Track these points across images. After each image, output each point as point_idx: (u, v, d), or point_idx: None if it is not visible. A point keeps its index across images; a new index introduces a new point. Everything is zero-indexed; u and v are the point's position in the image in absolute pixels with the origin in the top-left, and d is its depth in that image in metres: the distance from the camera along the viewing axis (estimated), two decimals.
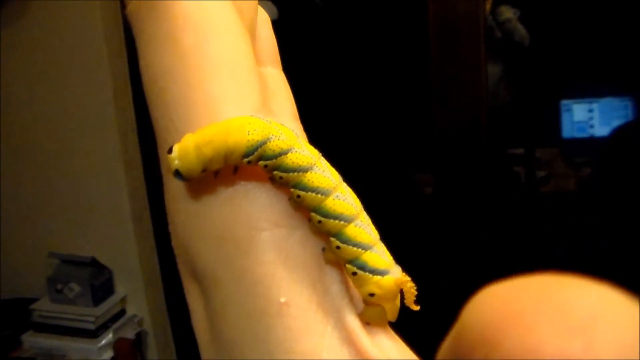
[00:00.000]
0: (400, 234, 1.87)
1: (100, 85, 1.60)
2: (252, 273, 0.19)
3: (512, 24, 2.08)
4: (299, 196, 0.19)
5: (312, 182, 0.19)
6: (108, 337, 1.61)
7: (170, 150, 0.19)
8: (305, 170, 0.19)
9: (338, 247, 0.19)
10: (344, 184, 0.20)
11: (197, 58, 0.20)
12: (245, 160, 0.19)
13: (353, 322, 0.19)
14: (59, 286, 1.65)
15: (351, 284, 0.20)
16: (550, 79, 2.10)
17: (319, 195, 0.19)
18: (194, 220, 0.20)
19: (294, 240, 0.19)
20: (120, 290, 1.72)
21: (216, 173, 0.20)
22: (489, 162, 1.91)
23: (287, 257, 0.19)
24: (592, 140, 2.04)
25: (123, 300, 1.71)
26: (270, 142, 0.19)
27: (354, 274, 0.19)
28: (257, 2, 0.26)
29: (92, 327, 1.60)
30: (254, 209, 0.20)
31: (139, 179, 1.68)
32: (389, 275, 0.19)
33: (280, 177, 0.19)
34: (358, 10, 2.02)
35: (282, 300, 0.19)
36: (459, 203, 1.88)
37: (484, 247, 1.78)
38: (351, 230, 0.19)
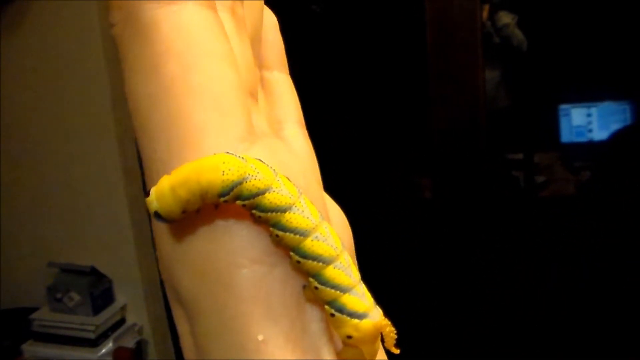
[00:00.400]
0: (400, 238, 1.87)
1: (99, 94, 1.60)
2: (232, 308, 0.19)
3: (510, 29, 2.08)
4: (277, 235, 0.19)
5: (291, 222, 0.19)
6: (108, 346, 1.61)
7: (148, 194, 0.19)
8: (283, 210, 0.19)
9: (316, 288, 0.19)
10: (325, 224, 0.19)
11: (180, 88, 0.20)
12: (222, 199, 0.19)
13: None
14: (59, 295, 1.65)
15: None
16: (548, 84, 2.10)
17: (297, 236, 0.19)
18: (178, 252, 0.20)
19: (274, 278, 0.19)
20: (120, 299, 1.71)
21: (198, 210, 0.19)
22: (488, 166, 1.91)
23: (266, 294, 0.19)
24: (591, 145, 2.04)
25: (123, 309, 1.70)
26: (246, 182, 0.19)
27: (332, 315, 0.19)
28: (262, 7, 0.26)
29: (92, 336, 1.59)
30: (235, 245, 0.19)
31: (138, 188, 1.67)
32: (368, 319, 0.19)
33: (259, 217, 0.19)
34: (355, 16, 2.03)
35: (260, 338, 0.19)
36: (458, 207, 1.88)
37: (483, 251, 1.77)
38: (330, 272, 0.19)
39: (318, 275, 0.19)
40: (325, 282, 0.19)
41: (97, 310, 1.64)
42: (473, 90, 1.78)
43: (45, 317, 1.65)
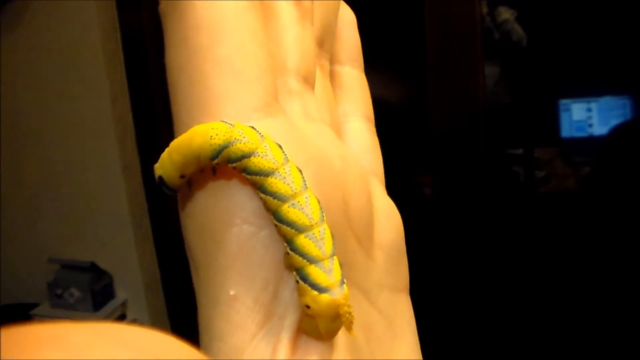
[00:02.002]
0: None
1: (98, 91, 1.60)
2: (217, 262, 0.21)
3: (509, 24, 2.08)
4: (261, 198, 0.20)
5: (272, 186, 0.20)
6: None
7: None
8: (266, 174, 0.20)
9: (288, 254, 0.20)
10: (308, 194, 0.20)
11: (204, 58, 0.21)
12: (214, 162, 0.20)
13: (287, 330, 0.20)
14: (59, 291, 1.65)
15: None
16: (548, 79, 2.10)
17: (276, 201, 0.20)
18: (187, 210, 0.22)
19: (258, 239, 0.20)
20: (120, 294, 1.72)
21: (202, 171, 0.21)
22: (488, 162, 1.91)
23: (248, 254, 0.20)
24: (591, 140, 2.04)
25: (123, 304, 1.71)
26: (232, 145, 0.20)
27: (297, 282, 0.20)
28: (337, 3, 0.28)
29: None
30: (229, 205, 0.21)
31: (138, 184, 1.68)
32: (327, 294, 0.19)
33: (248, 179, 0.20)
34: (356, 14, 2.02)
35: (232, 292, 0.20)
36: (458, 204, 1.87)
37: (484, 247, 1.77)
38: (300, 241, 0.20)
39: (290, 241, 0.20)
40: (295, 249, 0.20)
41: (97, 306, 1.65)
42: (473, 86, 1.78)
43: (45, 313, 1.66)
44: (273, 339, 0.20)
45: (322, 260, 0.20)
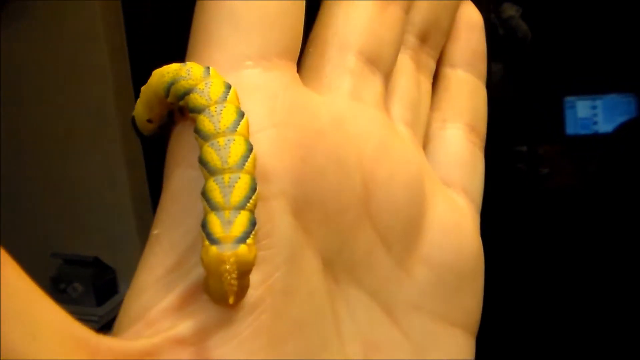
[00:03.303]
0: None
1: (102, 84, 1.60)
2: (160, 202, 0.20)
3: (514, 21, 2.07)
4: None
5: (199, 124, 0.19)
6: None
7: None
8: (198, 111, 0.19)
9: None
10: (230, 137, 0.19)
11: (210, 5, 0.21)
12: (168, 100, 0.20)
13: (187, 283, 0.19)
14: (62, 286, 1.65)
15: None
16: (553, 76, 2.09)
17: (200, 139, 0.19)
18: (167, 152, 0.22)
19: (196, 185, 0.19)
20: (123, 289, 1.71)
21: (170, 114, 0.21)
22: (492, 159, 1.91)
23: (182, 197, 0.20)
24: (596, 137, 2.04)
25: None
26: (177, 82, 0.19)
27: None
28: (454, 3, 0.26)
29: (96, 326, 1.59)
30: (181, 145, 0.20)
31: (141, 178, 1.67)
32: (216, 246, 0.17)
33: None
34: None
35: (155, 232, 0.20)
36: None
37: (487, 243, 1.77)
38: (210, 184, 0.18)
39: (204, 183, 0.18)
40: (203, 192, 0.18)
41: (100, 301, 1.64)
42: None
43: None
44: (171, 288, 0.19)
45: (224, 209, 0.17)
